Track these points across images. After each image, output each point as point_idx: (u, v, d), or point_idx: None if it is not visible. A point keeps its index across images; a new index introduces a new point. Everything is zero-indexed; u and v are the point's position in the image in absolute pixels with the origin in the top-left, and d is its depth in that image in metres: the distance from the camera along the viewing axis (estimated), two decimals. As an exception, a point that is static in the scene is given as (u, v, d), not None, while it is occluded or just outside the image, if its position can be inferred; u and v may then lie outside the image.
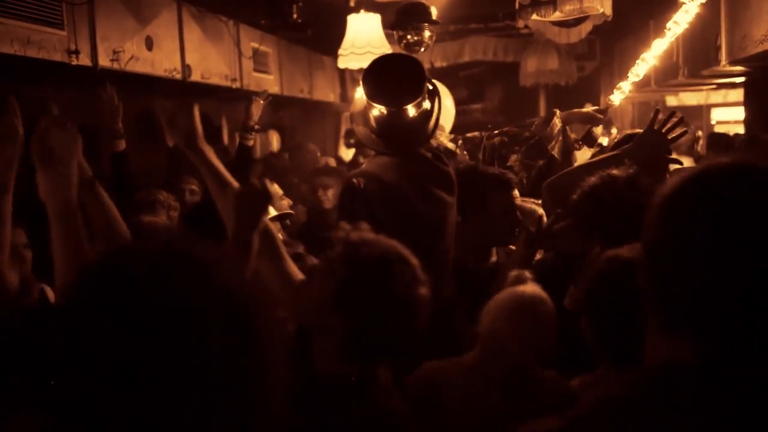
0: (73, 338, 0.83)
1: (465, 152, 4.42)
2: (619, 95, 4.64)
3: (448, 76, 8.90)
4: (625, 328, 1.53)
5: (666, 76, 6.24)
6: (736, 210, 0.96)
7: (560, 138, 3.83)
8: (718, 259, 0.96)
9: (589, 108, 3.96)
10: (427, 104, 2.72)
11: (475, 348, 2.13)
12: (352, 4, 5.19)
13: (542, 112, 8.35)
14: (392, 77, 2.69)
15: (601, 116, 3.89)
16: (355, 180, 2.64)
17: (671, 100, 9.52)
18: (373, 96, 2.66)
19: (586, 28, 4.51)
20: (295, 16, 5.33)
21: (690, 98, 9.65)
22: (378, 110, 2.68)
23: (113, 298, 0.84)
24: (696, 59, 5.41)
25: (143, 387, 0.81)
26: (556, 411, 1.05)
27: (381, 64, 2.79)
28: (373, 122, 2.74)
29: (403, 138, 2.70)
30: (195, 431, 0.83)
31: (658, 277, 1.03)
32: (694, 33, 5.23)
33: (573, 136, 3.90)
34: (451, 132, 4.53)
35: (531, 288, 2.07)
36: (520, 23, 4.75)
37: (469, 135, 4.46)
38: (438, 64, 8.01)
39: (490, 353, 2.08)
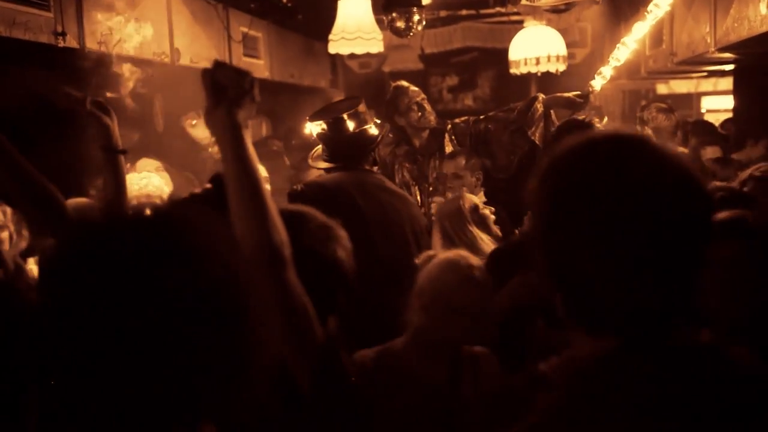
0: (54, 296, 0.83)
1: (453, 137, 4.43)
2: (600, 80, 4.63)
3: (439, 62, 8.90)
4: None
5: (656, 64, 6.25)
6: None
7: (541, 124, 3.86)
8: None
9: (571, 94, 3.98)
10: (372, 129, 3.12)
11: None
12: (342, -12, 5.16)
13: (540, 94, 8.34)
14: (332, 107, 3.29)
15: (581, 101, 3.90)
16: (296, 186, 3.03)
17: (662, 88, 9.53)
18: (313, 117, 3.16)
19: (575, 14, 4.51)
20: (285, 0, 5.30)
21: (680, 86, 9.67)
22: (321, 128, 3.09)
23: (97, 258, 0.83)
24: (685, 47, 5.41)
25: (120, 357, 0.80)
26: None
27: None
28: (321, 143, 3.18)
29: (345, 149, 3.08)
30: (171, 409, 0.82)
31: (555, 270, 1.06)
32: (684, 20, 5.23)
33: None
34: (440, 117, 4.55)
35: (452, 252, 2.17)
36: (510, 9, 4.74)
37: (457, 121, 4.47)
38: (429, 50, 7.98)
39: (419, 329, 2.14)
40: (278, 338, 1.43)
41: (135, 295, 0.80)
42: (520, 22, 6.16)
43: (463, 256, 2.21)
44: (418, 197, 4.32)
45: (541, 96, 4.11)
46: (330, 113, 3.11)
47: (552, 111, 3.96)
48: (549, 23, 5.79)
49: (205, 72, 1.49)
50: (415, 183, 4.35)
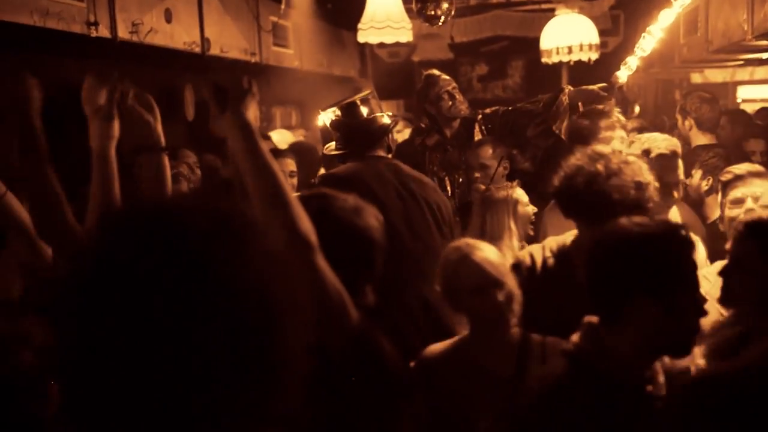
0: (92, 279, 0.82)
1: (483, 127, 4.39)
2: (625, 71, 4.54)
3: (469, 51, 8.84)
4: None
5: (691, 53, 6.13)
6: None
7: (566, 117, 3.80)
8: None
9: (596, 86, 3.91)
10: (384, 118, 3.13)
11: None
12: (372, -23, 5.14)
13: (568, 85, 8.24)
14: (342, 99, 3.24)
15: (605, 94, 3.84)
16: (312, 180, 3.16)
17: (696, 78, 9.36)
18: (324, 108, 3.19)
19: (608, 2, 4.43)
20: (314, -11, 5.30)
21: (715, 75, 9.48)
22: (335, 115, 3.11)
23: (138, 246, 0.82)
24: (721, 35, 5.30)
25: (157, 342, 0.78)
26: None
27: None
28: (334, 131, 3.17)
29: (359, 134, 3.07)
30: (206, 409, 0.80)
31: None
32: (719, 7, 5.12)
33: None
34: (471, 107, 4.51)
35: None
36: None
37: (487, 111, 4.43)
38: (459, 39, 7.92)
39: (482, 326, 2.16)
40: (312, 324, 1.45)
41: (165, 292, 0.79)
42: (552, 11, 6.09)
43: (467, 242, 2.25)
44: (448, 187, 4.29)
45: (567, 88, 4.05)
46: (341, 100, 3.16)
47: (580, 103, 3.89)
48: (581, 11, 5.72)
49: (210, 81, 1.59)
50: (445, 173, 4.33)
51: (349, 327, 1.52)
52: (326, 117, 3.16)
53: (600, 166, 2.19)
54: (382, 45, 6.13)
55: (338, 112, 3.07)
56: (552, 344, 2.09)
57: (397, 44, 5.84)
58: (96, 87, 1.88)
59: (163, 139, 2.07)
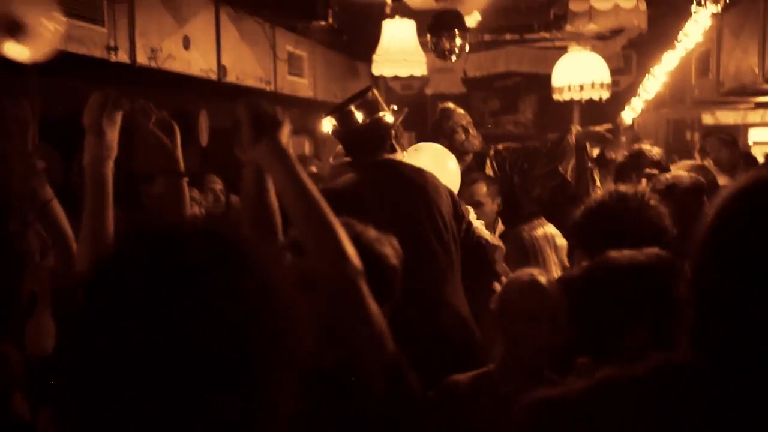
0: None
1: (494, 163, 4.42)
2: (630, 113, 4.57)
3: (482, 86, 8.92)
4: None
5: (702, 94, 6.17)
6: None
7: (573, 157, 3.79)
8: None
9: (602, 127, 3.94)
10: (387, 117, 2.96)
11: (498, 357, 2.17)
12: (387, 10, 5.23)
13: (576, 125, 8.29)
14: (347, 101, 3.06)
15: (611, 136, 3.86)
16: None
17: (707, 119, 9.40)
18: (328, 113, 3.03)
19: (620, 41, 4.49)
20: (330, 20, 5.39)
21: (727, 117, 9.52)
22: (332, 124, 2.96)
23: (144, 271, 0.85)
24: (733, 77, 5.35)
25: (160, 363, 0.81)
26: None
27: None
28: (336, 139, 3.06)
29: (358, 141, 2.93)
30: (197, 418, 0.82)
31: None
32: (731, 50, 5.18)
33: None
34: (485, 141, 4.55)
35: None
36: (555, 34, 4.75)
37: (499, 147, 4.47)
38: (472, 74, 8.01)
39: (510, 360, 2.12)
40: (352, 349, 1.47)
41: (175, 309, 0.82)
42: (565, 48, 6.15)
43: (528, 271, 2.21)
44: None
45: (574, 129, 4.08)
46: (341, 107, 3.03)
47: (588, 144, 3.91)
48: (593, 49, 5.78)
49: (246, 105, 1.54)
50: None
51: (387, 356, 1.51)
52: (327, 125, 3.05)
53: (621, 208, 2.21)
54: (395, 77, 6.21)
55: (334, 122, 2.96)
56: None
57: (411, 77, 5.91)
58: (99, 105, 1.82)
59: (182, 164, 2.08)
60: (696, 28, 4.30)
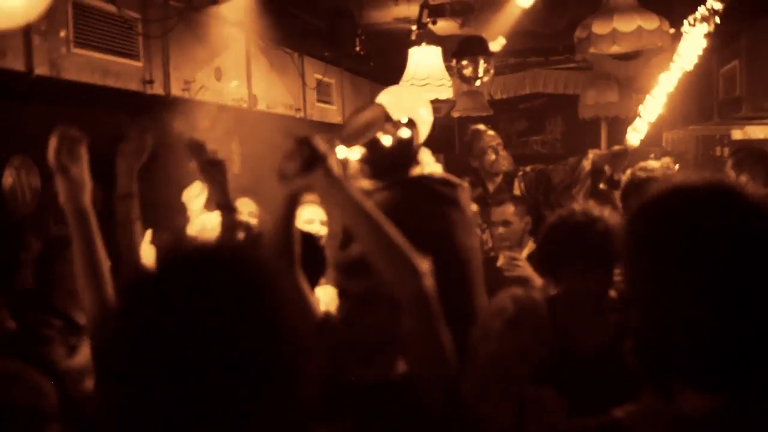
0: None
1: (522, 184, 4.48)
2: (635, 135, 4.55)
3: (508, 108, 8.99)
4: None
5: (729, 110, 6.17)
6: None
7: (588, 182, 3.81)
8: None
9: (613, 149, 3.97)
10: (405, 133, 2.90)
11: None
12: (413, 36, 5.33)
13: (603, 144, 8.30)
14: (357, 123, 2.96)
15: (621, 157, 3.88)
16: None
17: (737, 134, 9.34)
18: (346, 140, 2.91)
19: (644, 61, 4.53)
20: (358, 48, 5.50)
21: (756, 132, 9.45)
22: (360, 153, 2.90)
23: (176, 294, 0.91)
24: (762, 91, 5.35)
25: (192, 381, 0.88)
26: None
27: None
28: (362, 165, 2.98)
29: (386, 164, 2.89)
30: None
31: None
32: (757, 65, 5.18)
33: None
34: (515, 162, 4.61)
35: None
36: (579, 57, 4.81)
37: (527, 169, 4.54)
38: (498, 96, 8.08)
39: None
40: (416, 363, 1.53)
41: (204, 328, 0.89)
42: (590, 68, 6.20)
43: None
44: (489, 241, 4.35)
45: (591, 153, 4.11)
46: (359, 133, 2.94)
47: (606, 167, 3.95)
48: (617, 70, 5.82)
49: (303, 141, 1.59)
50: (486, 225, 4.40)
51: (448, 371, 1.55)
52: (350, 154, 2.96)
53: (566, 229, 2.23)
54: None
55: (364, 150, 2.93)
56: (551, 396, 2.08)
57: (437, 101, 5.99)
58: (58, 144, 1.79)
59: (232, 200, 2.18)
60: (689, 48, 4.31)
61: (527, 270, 3.14)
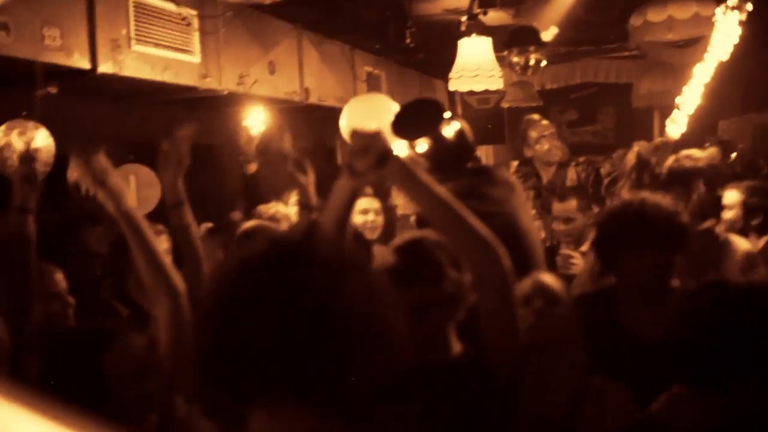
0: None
1: (576, 176, 4.45)
2: (675, 128, 4.43)
3: (558, 98, 8.90)
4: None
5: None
6: None
7: (633, 175, 3.75)
8: None
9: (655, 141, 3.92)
10: (454, 125, 2.85)
11: None
12: (463, 28, 5.32)
13: (656, 134, 8.17)
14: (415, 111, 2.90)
15: (665, 149, 3.83)
16: None
17: (797, 122, 9.08)
18: (407, 133, 2.82)
19: (701, 48, 4.45)
20: (407, 40, 5.53)
21: (817, 120, 9.17)
22: (424, 144, 2.80)
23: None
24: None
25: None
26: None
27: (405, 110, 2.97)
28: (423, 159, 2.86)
29: (447, 156, 2.83)
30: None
31: None
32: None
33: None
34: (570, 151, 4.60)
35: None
36: (633, 45, 4.74)
37: (581, 159, 4.52)
38: (549, 86, 8.02)
39: None
40: (490, 339, 1.59)
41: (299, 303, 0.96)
42: (643, 56, 6.11)
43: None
44: (543, 233, 4.33)
45: (637, 146, 4.05)
46: (421, 124, 2.88)
47: (654, 159, 3.90)
48: (672, 58, 5.72)
49: (376, 136, 1.61)
50: (539, 217, 4.38)
51: (518, 346, 1.61)
52: (402, 147, 2.99)
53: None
54: (471, 92, 6.28)
55: (428, 141, 2.83)
56: (614, 388, 2.05)
57: (487, 91, 5.98)
58: (82, 165, 1.86)
59: (314, 199, 2.26)
60: (722, 37, 4.18)
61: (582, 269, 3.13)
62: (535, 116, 4.49)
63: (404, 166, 1.58)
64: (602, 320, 2.13)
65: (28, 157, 1.93)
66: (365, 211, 3.58)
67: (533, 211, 4.15)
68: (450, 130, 2.84)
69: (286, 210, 3.81)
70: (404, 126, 2.84)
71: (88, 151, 1.90)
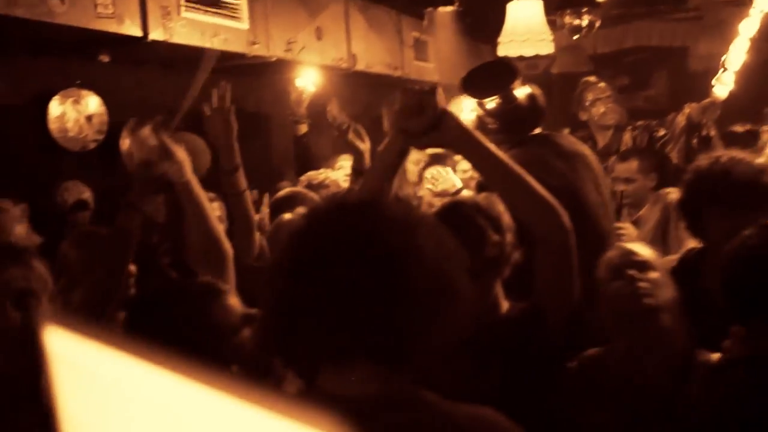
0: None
1: (633, 141, 4.34)
2: (722, 88, 4.21)
3: (610, 63, 8.67)
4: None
5: None
6: None
7: (683, 138, 3.63)
8: None
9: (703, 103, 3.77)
10: (525, 89, 2.79)
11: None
12: (512, -9, 5.21)
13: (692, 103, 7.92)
14: (483, 75, 2.83)
15: (708, 114, 3.68)
16: None
17: None
18: (479, 92, 2.78)
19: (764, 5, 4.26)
20: (455, 5, 5.44)
21: None
22: (492, 103, 2.77)
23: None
24: None
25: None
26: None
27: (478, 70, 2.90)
28: (491, 118, 2.80)
29: (518, 117, 2.78)
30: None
31: None
32: None
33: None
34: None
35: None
36: (692, 4, 4.57)
37: (639, 123, 4.41)
38: (600, 50, 7.81)
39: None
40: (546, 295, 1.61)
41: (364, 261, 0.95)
42: (699, 18, 5.90)
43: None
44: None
45: (688, 108, 3.90)
46: (492, 83, 2.80)
47: (705, 121, 3.76)
48: (732, 18, 5.51)
49: (431, 94, 1.56)
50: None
51: (574, 301, 1.62)
52: (470, 105, 2.90)
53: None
54: (521, 57, 6.16)
55: (498, 100, 2.75)
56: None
57: (536, 56, 5.85)
58: (150, 135, 2.02)
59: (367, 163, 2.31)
60: None
61: (633, 240, 3.05)
62: (592, 78, 4.39)
63: (462, 128, 1.53)
64: (688, 287, 1.97)
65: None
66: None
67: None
68: (522, 92, 2.78)
69: (336, 176, 3.82)
70: (475, 84, 2.78)
71: (148, 123, 1.98)
